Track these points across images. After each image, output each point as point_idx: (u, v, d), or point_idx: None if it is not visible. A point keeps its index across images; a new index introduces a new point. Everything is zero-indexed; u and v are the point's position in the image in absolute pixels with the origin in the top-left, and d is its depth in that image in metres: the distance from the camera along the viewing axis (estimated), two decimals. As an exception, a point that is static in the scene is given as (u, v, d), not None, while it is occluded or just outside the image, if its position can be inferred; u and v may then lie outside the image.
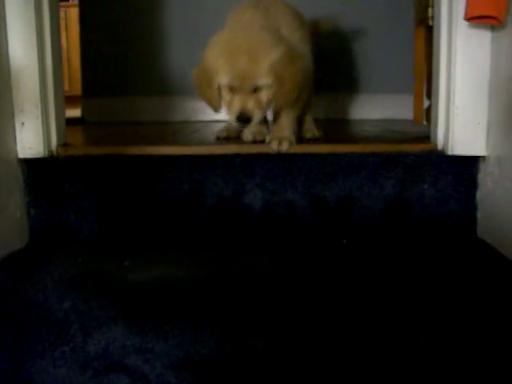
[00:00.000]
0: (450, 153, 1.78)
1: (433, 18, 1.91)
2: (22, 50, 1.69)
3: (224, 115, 1.84)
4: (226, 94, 1.78)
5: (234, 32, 1.78)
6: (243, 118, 1.74)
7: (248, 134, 1.92)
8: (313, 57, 1.96)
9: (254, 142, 1.89)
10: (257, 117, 1.75)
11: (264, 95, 1.75)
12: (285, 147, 1.80)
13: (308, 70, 1.88)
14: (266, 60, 1.72)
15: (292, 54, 1.77)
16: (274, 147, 1.80)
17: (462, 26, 1.71)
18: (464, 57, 1.73)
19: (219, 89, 1.79)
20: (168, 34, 2.98)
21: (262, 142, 1.87)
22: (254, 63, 1.71)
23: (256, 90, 1.74)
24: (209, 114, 2.18)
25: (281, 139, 1.82)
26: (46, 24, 1.74)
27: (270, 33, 1.77)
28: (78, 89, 3.28)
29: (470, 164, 1.79)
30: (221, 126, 2.10)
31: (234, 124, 1.79)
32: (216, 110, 1.84)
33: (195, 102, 2.08)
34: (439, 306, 1.42)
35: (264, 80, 1.73)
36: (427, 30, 2.03)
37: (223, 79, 1.75)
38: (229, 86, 1.75)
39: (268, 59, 1.72)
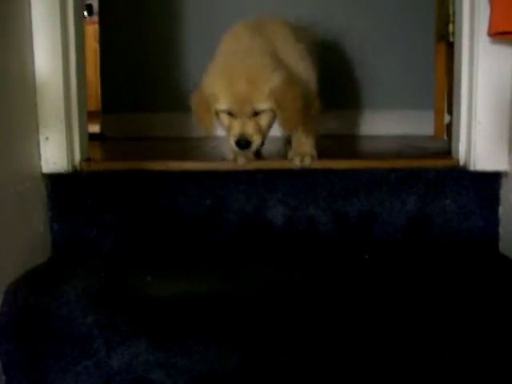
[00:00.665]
0: (471, 168, 1.78)
1: (453, 34, 1.92)
2: (48, 66, 1.71)
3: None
4: (225, 119, 1.75)
5: (232, 57, 1.75)
6: (243, 143, 1.70)
7: (241, 157, 1.85)
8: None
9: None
10: (257, 141, 1.71)
11: (263, 120, 1.72)
12: (307, 162, 1.80)
13: (308, 90, 1.85)
14: (265, 85, 1.69)
15: (291, 80, 1.74)
16: (296, 163, 1.80)
17: (483, 41, 1.72)
18: (485, 72, 1.73)
19: (217, 114, 1.75)
20: (186, 51, 3.00)
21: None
22: (254, 88, 1.68)
23: (255, 114, 1.71)
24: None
25: (303, 155, 1.82)
26: (71, 40, 1.76)
27: (270, 57, 1.74)
28: (92, 104, 3.29)
29: (492, 179, 1.78)
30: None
31: (235, 149, 1.75)
32: (209, 132, 1.79)
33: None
34: (462, 322, 1.41)
35: (264, 105, 1.70)
36: (448, 46, 2.03)
37: (222, 104, 1.72)
38: (228, 111, 1.72)
39: (268, 84, 1.69)
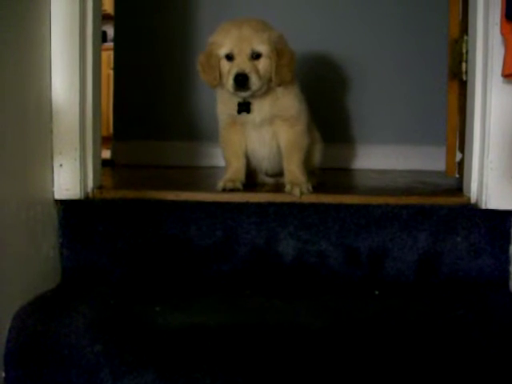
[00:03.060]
0: (483, 206, 1.78)
1: (466, 72, 1.93)
2: (65, 94, 1.73)
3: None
4: (225, 65, 1.86)
5: (236, 19, 1.89)
6: (240, 78, 1.79)
7: (220, 182, 1.91)
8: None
9: (224, 189, 1.88)
10: (255, 81, 1.81)
11: (262, 64, 1.83)
12: (305, 191, 1.83)
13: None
14: (265, 32, 1.84)
15: (287, 43, 1.88)
16: (296, 193, 1.82)
17: (496, 81, 1.73)
18: (498, 111, 1.74)
19: (219, 62, 1.86)
20: (197, 81, 3.02)
21: (232, 190, 1.88)
22: (255, 31, 1.82)
23: (255, 58, 1.82)
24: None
25: (300, 185, 1.84)
26: (88, 69, 1.79)
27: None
28: (103, 130, 3.32)
29: (504, 218, 1.77)
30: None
31: (232, 91, 1.84)
32: (213, 85, 1.92)
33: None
34: (471, 362, 1.40)
35: (263, 47, 1.82)
36: (460, 84, 2.04)
37: (223, 48, 1.84)
38: (228, 53, 1.83)
39: (267, 32, 1.84)
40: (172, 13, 3.05)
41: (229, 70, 1.83)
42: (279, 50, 1.84)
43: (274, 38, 1.85)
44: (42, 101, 1.69)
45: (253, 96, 1.87)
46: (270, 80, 1.86)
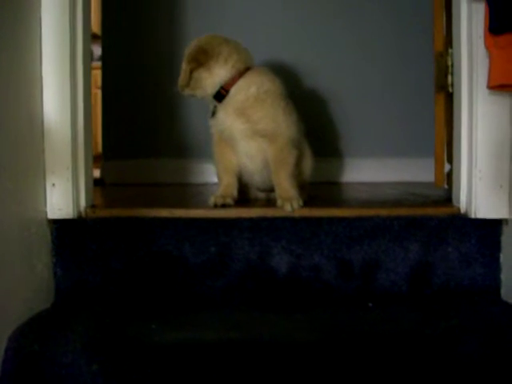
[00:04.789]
0: (473, 216, 1.79)
1: (453, 85, 1.96)
2: (56, 113, 1.74)
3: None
4: None
5: None
6: None
7: (211, 197, 1.93)
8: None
9: (215, 205, 1.89)
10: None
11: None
12: (296, 206, 1.83)
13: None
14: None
15: (197, 53, 1.97)
16: (288, 209, 1.83)
17: (482, 92, 1.75)
18: (485, 122, 1.77)
19: None
20: (186, 98, 3.02)
21: (223, 206, 1.89)
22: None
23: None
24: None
25: (290, 200, 1.85)
26: (79, 88, 1.79)
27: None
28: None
29: (494, 227, 1.80)
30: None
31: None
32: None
33: (211, 164, 2.12)
34: (465, 372, 1.41)
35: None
36: (447, 97, 2.07)
37: None
38: None
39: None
40: (159, 30, 3.07)
41: None
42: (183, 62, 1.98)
43: (189, 49, 1.97)
44: (33, 120, 1.69)
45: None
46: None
